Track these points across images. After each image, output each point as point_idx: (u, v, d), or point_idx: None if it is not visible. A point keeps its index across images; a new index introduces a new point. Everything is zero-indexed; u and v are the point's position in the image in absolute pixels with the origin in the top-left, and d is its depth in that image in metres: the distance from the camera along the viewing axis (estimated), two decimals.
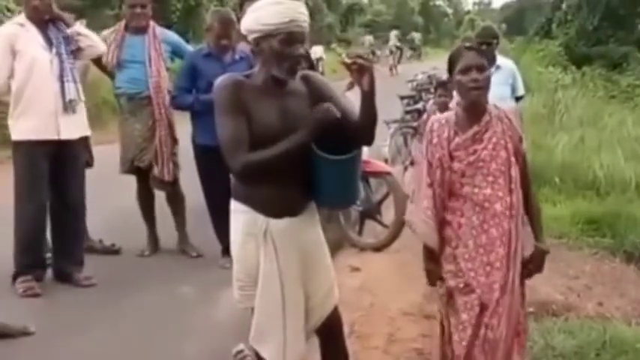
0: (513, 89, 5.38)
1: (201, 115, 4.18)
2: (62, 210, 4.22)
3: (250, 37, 2.33)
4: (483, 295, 2.44)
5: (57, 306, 3.96)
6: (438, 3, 62.98)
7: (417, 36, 35.81)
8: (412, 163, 6.64)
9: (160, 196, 4.93)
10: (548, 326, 3.57)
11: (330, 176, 2.36)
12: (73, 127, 4.16)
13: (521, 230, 2.48)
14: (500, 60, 5.28)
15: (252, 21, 2.30)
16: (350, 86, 5.22)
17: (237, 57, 4.37)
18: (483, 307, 2.45)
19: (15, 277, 4.11)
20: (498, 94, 4.78)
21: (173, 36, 4.92)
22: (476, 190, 2.45)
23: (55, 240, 4.32)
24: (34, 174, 4.05)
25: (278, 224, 2.37)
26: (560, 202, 6.05)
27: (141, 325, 3.72)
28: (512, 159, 2.46)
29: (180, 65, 4.68)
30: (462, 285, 2.48)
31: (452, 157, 2.47)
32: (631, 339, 3.35)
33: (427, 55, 34.87)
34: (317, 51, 19.35)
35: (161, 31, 4.77)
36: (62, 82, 4.04)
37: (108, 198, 5.59)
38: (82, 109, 4.23)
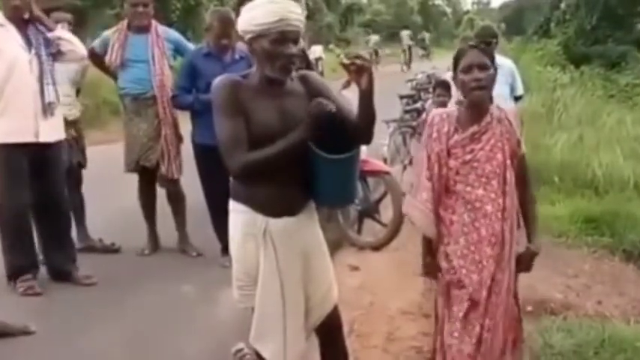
0: (512, 89, 5.39)
1: (201, 114, 4.18)
2: (46, 211, 4.20)
3: (245, 38, 2.33)
4: (474, 293, 2.46)
5: (57, 305, 3.96)
6: (437, 2, 62.96)
7: (427, 36, 36.52)
8: (411, 163, 6.66)
9: (160, 196, 4.94)
10: (547, 325, 3.56)
11: (328, 175, 2.36)
12: (52, 129, 4.12)
13: (515, 232, 2.50)
14: (500, 59, 5.28)
15: (244, 21, 2.30)
16: (346, 85, 5.22)
17: (236, 56, 4.37)
18: (474, 304, 2.47)
19: (10, 278, 4.11)
20: (497, 93, 4.79)
21: (174, 34, 4.92)
22: (468, 188, 2.47)
23: (45, 241, 4.30)
24: (14, 176, 4.01)
25: (277, 224, 2.37)
26: (559, 200, 6.05)
27: (141, 324, 3.73)
28: (508, 162, 2.47)
29: (181, 64, 4.68)
30: (455, 280, 2.51)
31: (449, 154, 2.49)
32: (630, 337, 3.34)
33: (434, 54, 35.08)
34: (316, 50, 19.37)
35: (163, 30, 4.78)
36: (42, 84, 3.99)
37: (108, 197, 5.61)
38: (59, 111, 4.18)
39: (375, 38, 30.59)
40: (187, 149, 4.66)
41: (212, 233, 4.53)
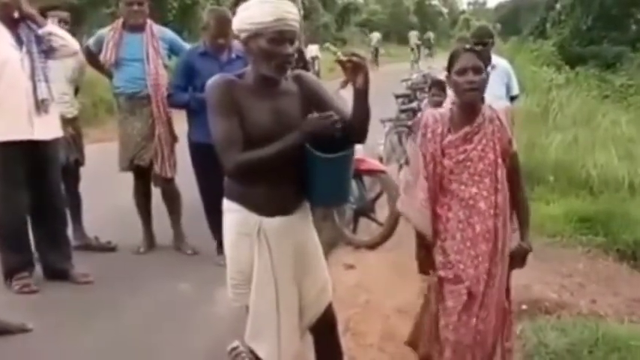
0: (508, 89, 5.41)
1: (197, 113, 4.17)
2: (42, 209, 4.19)
3: (240, 37, 2.33)
4: (472, 287, 2.55)
5: (53, 303, 3.96)
6: (433, 2, 63.01)
7: (432, 36, 37.26)
8: (407, 162, 6.66)
9: (155, 194, 4.94)
10: (541, 324, 3.58)
11: (323, 174, 2.36)
12: (47, 127, 4.10)
13: (507, 228, 2.59)
14: (495, 59, 5.31)
15: (240, 20, 2.30)
16: (343, 85, 5.23)
17: (233, 56, 4.37)
18: (471, 297, 2.56)
19: (6, 277, 4.11)
20: (493, 94, 4.81)
21: (170, 33, 4.91)
22: (462, 187, 2.55)
23: (42, 239, 4.29)
24: (9, 175, 4.00)
25: (271, 223, 2.38)
26: (554, 200, 6.07)
27: (137, 322, 3.73)
28: (500, 160, 2.55)
29: (177, 63, 4.68)
30: (451, 276, 2.58)
31: (443, 154, 2.56)
32: (624, 336, 3.36)
33: (437, 53, 35.46)
34: (312, 50, 19.36)
35: (158, 29, 4.77)
36: (34, 82, 3.97)
37: (104, 195, 5.60)
38: (54, 109, 4.17)
39: (377, 36, 31.09)
40: (182, 148, 4.66)
41: (207, 231, 4.53)
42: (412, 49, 29.68)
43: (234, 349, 3.08)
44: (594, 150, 7.29)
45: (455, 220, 2.57)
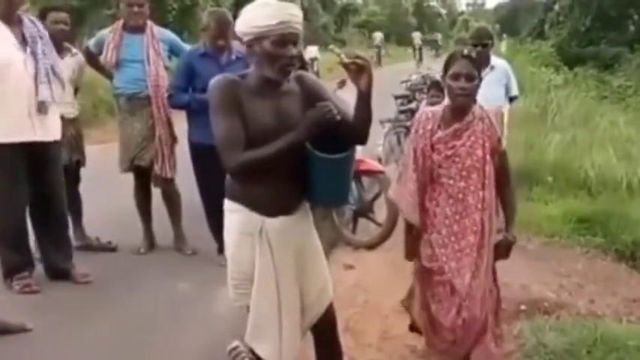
0: (507, 89, 5.42)
1: (198, 113, 4.19)
2: (44, 210, 4.20)
3: (243, 39, 2.34)
4: (453, 279, 2.71)
5: (54, 303, 3.96)
6: (431, 3, 63.09)
7: (439, 37, 38.74)
8: None
9: (155, 195, 4.96)
10: (540, 324, 3.59)
11: (324, 175, 2.37)
12: (49, 128, 4.10)
13: (494, 222, 2.74)
14: (495, 60, 5.32)
15: (244, 23, 2.31)
16: (341, 85, 5.26)
17: (233, 57, 4.37)
18: (453, 288, 2.72)
19: (6, 277, 4.12)
20: (492, 94, 4.82)
21: (170, 34, 4.93)
22: (451, 181, 2.70)
23: (44, 239, 4.30)
24: (10, 176, 4.00)
25: (273, 223, 2.39)
26: (552, 201, 6.08)
27: (137, 322, 3.74)
28: (488, 157, 2.69)
29: (177, 64, 4.69)
30: (436, 267, 2.76)
31: (433, 149, 2.71)
32: (622, 336, 3.36)
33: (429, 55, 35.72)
34: (312, 51, 19.38)
35: (158, 30, 4.78)
36: (36, 83, 3.95)
37: (104, 196, 5.60)
38: (56, 111, 4.16)
39: (379, 36, 31.64)
40: (183, 149, 4.67)
41: (207, 232, 4.54)
42: (414, 49, 31.31)
43: (234, 348, 3.08)
44: (592, 150, 7.30)
45: (442, 216, 2.72)
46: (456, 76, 2.64)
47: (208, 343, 3.42)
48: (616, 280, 4.61)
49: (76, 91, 4.92)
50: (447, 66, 2.71)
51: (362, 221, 5.28)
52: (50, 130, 4.13)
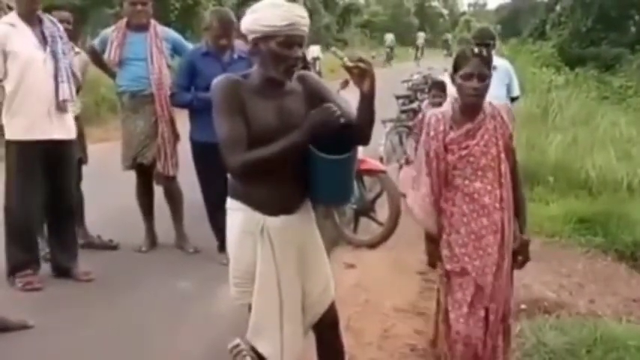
0: (509, 89, 5.43)
1: (200, 112, 4.20)
2: (58, 208, 4.24)
3: (249, 37, 2.35)
4: (478, 278, 2.62)
5: (55, 300, 3.98)
6: (433, 4, 63.06)
7: (449, 37, 39.80)
8: (407, 162, 6.69)
9: (157, 193, 4.97)
10: (540, 323, 3.60)
11: (326, 175, 2.38)
12: (66, 127, 4.16)
13: (512, 222, 2.66)
14: (496, 60, 5.31)
15: (251, 22, 2.30)
16: (344, 85, 5.27)
17: (235, 56, 4.39)
18: (478, 289, 2.63)
19: (10, 273, 4.14)
20: (494, 95, 4.82)
21: (173, 33, 4.95)
22: (466, 182, 2.63)
23: (53, 237, 4.35)
24: (26, 173, 4.05)
25: (275, 222, 2.39)
26: (553, 201, 6.10)
27: (138, 320, 3.75)
28: (502, 155, 2.62)
29: (180, 63, 4.70)
30: (457, 269, 2.66)
31: (446, 150, 2.64)
32: (622, 336, 3.37)
33: (430, 54, 36.05)
34: (314, 50, 19.41)
35: (162, 29, 4.80)
36: (56, 82, 4.02)
37: (106, 194, 5.62)
38: (70, 110, 4.21)
39: (391, 37, 32.71)
40: (184, 147, 4.69)
41: (209, 230, 4.56)
42: (417, 48, 33.16)
43: (235, 346, 3.09)
44: (593, 151, 7.32)
45: (459, 214, 2.64)
46: (468, 76, 2.58)
47: (209, 341, 3.43)
48: (616, 280, 4.62)
49: (79, 89, 4.93)
50: (457, 65, 2.64)
51: (363, 220, 5.29)
52: (68, 129, 4.19)
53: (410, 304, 3.94)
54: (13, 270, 4.13)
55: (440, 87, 5.39)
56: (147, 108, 4.65)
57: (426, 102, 6.34)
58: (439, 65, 15.22)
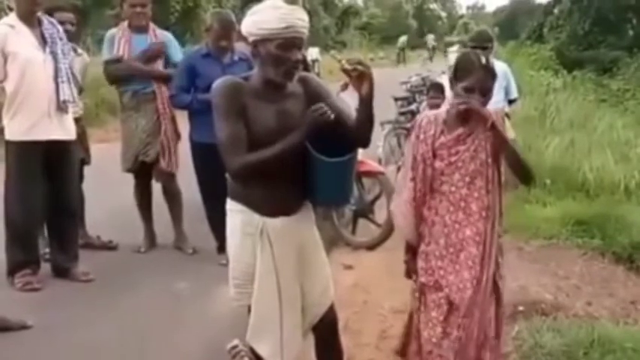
0: (506, 92, 5.44)
1: (200, 113, 4.22)
2: (58, 208, 4.25)
3: (249, 39, 2.36)
4: (451, 294, 2.47)
5: (54, 300, 3.99)
6: (432, 7, 63.15)
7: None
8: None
9: (156, 194, 4.98)
10: (537, 325, 3.59)
11: (326, 177, 2.40)
12: (66, 128, 4.18)
13: (496, 231, 2.50)
14: (494, 63, 5.34)
15: (250, 24, 2.31)
16: (344, 87, 5.28)
17: (235, 58, 4.42)
18: (452, 307, 2.48)
19: (9, 273, 4.15)
20: (491, 97, 4.84)
21: (171, 40, 4.91)
22: (453, 188, 2.48)
23: (53, 237, 4.36)
24: (26, 174, 4.07)
25: (274, 223, 2.41)
26: (551, 203, 6.09)
27: (137, 320, 3.76)
28: (490, 160, 2.48)
29: (179, 64, 4.70)
30: (431, 282, 2.52)
31: (435, 155, 2.50)
32: (619, 338, 3.36)
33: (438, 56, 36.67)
34: (313, 52, 19.46)
35: (161, 33, 4.85)
36: (57, 83, 4.04)
37: (105, 195, 5.63)
38: (70, 111, 4.23)
39: (403, 39, 34.57)
40: (184, 148, 4.70)
41: (207, 231, 4.57)
42: (428, 49, 35.76)
43: (233, 347, 3.10)
44: (591, 153, 7.32)
45: (440, 225, 2.50)
46: (470, 89, 2.40)
47: (208, 342, 3.44)
48: (613, 282, 4.62)
49: (80, 90, 4.94)
50: (459, 72, 2.46)
51: (362, 222, 5.31)
52: (68, 130, 4.20)
53: (407, 305, 3.93)
54: (13, 270, 4.14)
55: (438, 89, 5.41)
56: (149, 106, 4.67)
57: (424, 104, 6.37)
58: (437, 67, 15.26)
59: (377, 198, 5.22)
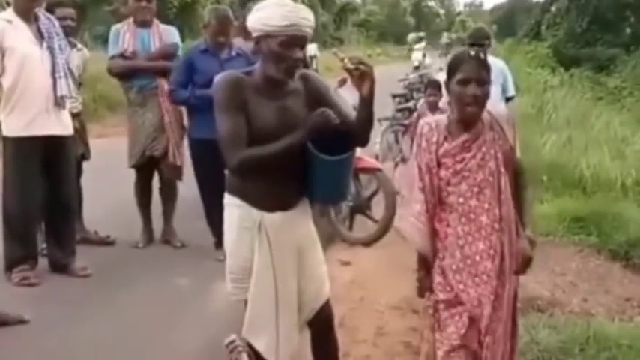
0: (504, 89, 5.45)
1: (198, 109, 4.23)
2: (55, 204, 4.25)
3: (252, 35, 2.35)
4: (473, 310, 2.33)
5: (52, 295, 3.99)
6: (430, 4, 63.17)
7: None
8: (403, 160, 6.73)
9: (154, 190, 4.99)
10: (533, 321, 3.60)
11: (324, 174, 2.40)
12: (64, 123, 4.18)
13: (514, 243, 2.36)
14: (491, 60, 5.33)
15: (255, 20, 2.31)
16: (341, 82, 5.30)
17: (233, 53, 4.43)
18: (472, 321, 2.34)
19: (7, 268, 4.15)
20: (490, 90, 4.85)
21: (175, 34, 4.93)
22: (461, 200, 2.34)
23: (50, 232, 4.36)
24: (24, 169, 4.07)
25: (271, 218, 2.41)
26: (548, 200, 6.11)
27: (134, 316, 3.76)
28: (502, 169, 2.33)
29: (177, 60, 4.72)
30: (451, 297, 2.36)
31: (439, 164, 2.36)
32: (614, 335, 3.38)
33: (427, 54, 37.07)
34: (311, 49, 19.44)
35: (164, 27, 4.88)
36: (54, 78, 4.04)
37: (104, 190, 5.62)
38: (68, 106, 4.22)
39: (412, 36, 34.23)
40: (184, 144, 4.72)
41: (205, 227, 4.57)
42: (442, 46, 36.38)
43: (230, 342, 3.10)
44: (588, 150, 7.34)
45: (454, 237, 2.34)
46: (465, 82, 2.27)
47: (205, 337, 3.44)
48: (609, 279, 4.64)
49: (80, 85, 4.94)
50: (451, 70, 2.33)
51: (359, 218, 5.32)
52: (65, 125, 4.20)
53: (405, 301, 3.95)
54: (11, 265, 4.14)
55: (435, 86, 5.42)
56: (154, 101, 4.69)
57: (422, 101, 6.38)
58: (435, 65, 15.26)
59: (374, 194, 5.23)
